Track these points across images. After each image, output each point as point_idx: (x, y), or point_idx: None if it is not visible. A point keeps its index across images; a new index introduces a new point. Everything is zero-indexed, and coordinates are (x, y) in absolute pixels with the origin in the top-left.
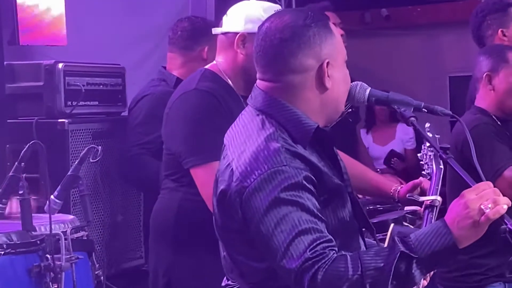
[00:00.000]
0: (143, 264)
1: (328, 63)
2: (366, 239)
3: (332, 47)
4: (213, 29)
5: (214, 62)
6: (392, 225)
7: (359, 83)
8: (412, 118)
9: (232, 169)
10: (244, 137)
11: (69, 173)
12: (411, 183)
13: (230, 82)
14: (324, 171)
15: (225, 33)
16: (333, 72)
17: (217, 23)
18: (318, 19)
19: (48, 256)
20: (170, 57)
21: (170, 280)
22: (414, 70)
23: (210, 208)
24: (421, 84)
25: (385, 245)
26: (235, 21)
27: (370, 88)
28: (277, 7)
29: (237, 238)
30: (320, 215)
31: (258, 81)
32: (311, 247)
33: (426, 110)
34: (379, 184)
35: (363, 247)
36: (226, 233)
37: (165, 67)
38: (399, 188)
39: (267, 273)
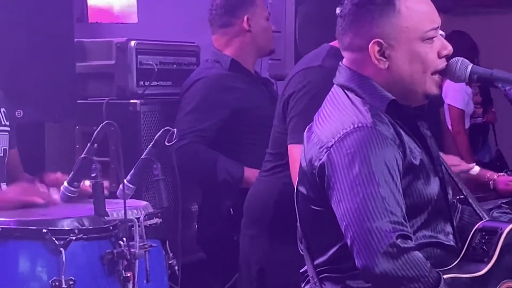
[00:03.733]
0: None
1: (379, 43)
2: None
3: (390, 25)
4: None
5: None
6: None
7: (460, 59)
8: None
9: (315, 136)
10: (327, 111)
11: (143, 156)
12: None
13: None
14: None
15: None
16: (391, 51)
17: None
18: None
19: (121, 242)
20: (215, 39)
21: (263, 268)
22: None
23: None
24: None
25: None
26: None
27: (472, 64)
28: None
29: (313, 212)
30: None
31: None
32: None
33: None
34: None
35: (450, 233)
36: (304, 204)
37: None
38: (495, 176)
39: (333, 256)
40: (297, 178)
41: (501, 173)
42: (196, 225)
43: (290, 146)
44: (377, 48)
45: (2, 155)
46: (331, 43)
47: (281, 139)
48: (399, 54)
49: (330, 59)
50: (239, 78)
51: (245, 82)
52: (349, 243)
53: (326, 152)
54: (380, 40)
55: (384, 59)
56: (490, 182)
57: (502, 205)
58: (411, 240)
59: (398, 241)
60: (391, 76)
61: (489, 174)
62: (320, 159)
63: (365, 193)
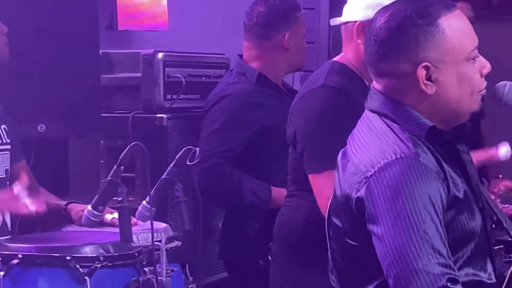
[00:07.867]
0: None
1: (427, 66)
2: None
3: (437, 48)
4: (331, 20)
5: (342, 53)
6: None
7: (508, 83)
8: None
9: (352, 164)
10: (364, 136)
11: (163, 176)
12: None
13: (360, 74)
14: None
15: (345, 23)
16: (439, 75)
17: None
18: (422, 16)
19: (146, 269)
20: (246, 47)
21: None
22: None
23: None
24: None
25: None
26: (353, 9)
27: None
28: None
29: (349, 246)
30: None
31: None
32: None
33: None
34: None
35: (490, 270)
36: (339, 236)
37: (241, 56)
38: None
39: None
40: (329, 207)
41: None
42: (219, 244)
43: (310, 176)
44: (424, 72)
45: (4, 176)
46: (336, 58)
47: (296, 165)
48: (447, 77)
49: (333, 76)
50: (266, 93)
51: (273, 97)
52: (391, 283)
53: (365, 183)
54: (427, 63)
55: (431, 84)
56: None
57: None
58: (460, 284)
59: (449, 284)
60: (438, 101)
61: None
62: (358, 190)
63: (411, 231)
